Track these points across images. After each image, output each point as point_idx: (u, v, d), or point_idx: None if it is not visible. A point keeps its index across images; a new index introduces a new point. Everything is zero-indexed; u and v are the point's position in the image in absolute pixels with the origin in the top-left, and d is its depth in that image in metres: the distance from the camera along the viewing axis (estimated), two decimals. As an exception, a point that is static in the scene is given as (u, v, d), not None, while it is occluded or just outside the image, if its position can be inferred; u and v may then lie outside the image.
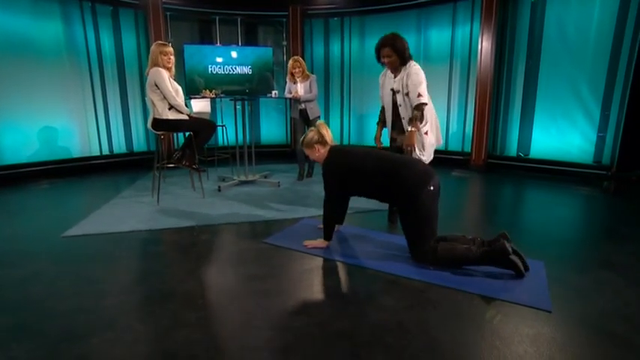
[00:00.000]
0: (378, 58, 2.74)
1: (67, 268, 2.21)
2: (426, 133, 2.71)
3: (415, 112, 2.63)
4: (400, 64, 2.69)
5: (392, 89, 2.76)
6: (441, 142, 2.89)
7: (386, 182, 2.21)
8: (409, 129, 2.64)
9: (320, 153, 2.40)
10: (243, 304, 1.81)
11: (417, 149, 2.70)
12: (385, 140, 3.03)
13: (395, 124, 2.87)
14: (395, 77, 2.75)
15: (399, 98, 2.73)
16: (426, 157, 2.73)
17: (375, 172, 2.23)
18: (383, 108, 2.96)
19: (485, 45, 4.98)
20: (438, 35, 5.63)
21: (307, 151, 2.45)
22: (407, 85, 2.65)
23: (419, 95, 2.61)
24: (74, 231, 2.80)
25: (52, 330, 1.61)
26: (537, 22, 4.70)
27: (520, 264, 2.02)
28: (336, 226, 2.73)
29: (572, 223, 3.16)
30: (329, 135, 2.42)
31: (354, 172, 2.28)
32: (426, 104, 2.63)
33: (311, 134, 2.41)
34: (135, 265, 2.28)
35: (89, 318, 1.69)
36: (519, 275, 2.02)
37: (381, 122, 3.01)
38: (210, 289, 1.98)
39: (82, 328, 1.62)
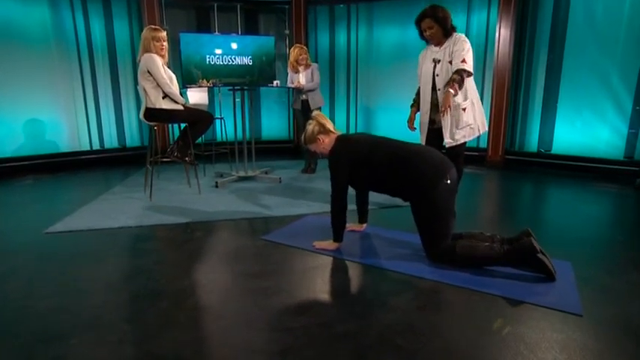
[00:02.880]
0: (420, 33, 2.72)
1: (49, 266, 2.16)
2: (464, 109, 2.65)
3: (454, 75, 2.56)
4: (443, 35, 2.66)
5: (434, 59, 2.73)
6: (486, 128, 2.82)
7: (398, 174, 2.13)
8: (445, 89, 2.59)
9: (325, 144, 2.33)
10: (239, 303, 1.75)
11: (449, 119, 2.66)
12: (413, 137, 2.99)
13: (433, 104, 2.82)
14: (439, 49, 2.72)
15: (439, 68, 2.69)
16: (460, 136, 2.70)
17: (386, 162, 2.16)
18: (419, 89, 2.93)
19: (503, 33, 4.89)
20: (452, 23, 5.55)
21: (312, 147, 2.39)
22: (451, 54, 2.62)
23: (463, 61, 2.56)
24: (58, 227, 2.77)
25: (28, 330, 1.55)
26: (562, 6, 4.61)
27: (549, 264, 1.93)
28: (362, 226, 2.69)
29: (602, 221, 3.08)
30: (330, 123, 2.37)
31: (363, 162, 2.20)
32: (468, 72, 2.58)
33: (310, 127, 2.35)
34: (123, 263, 2.23)
35: (69, 318, 1.64)
36: (549, 277, 1.92)
37: (416, 104, 2.97)
38: (203, 288, 1.93)
39: (61, 328, 1.56)
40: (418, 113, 2.97)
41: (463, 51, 2.58)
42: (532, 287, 1.88)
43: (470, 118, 2.70)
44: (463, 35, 2.65)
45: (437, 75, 2.72)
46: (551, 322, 1.61)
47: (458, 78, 2.54)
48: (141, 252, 2.40)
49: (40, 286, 1.92)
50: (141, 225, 2.82)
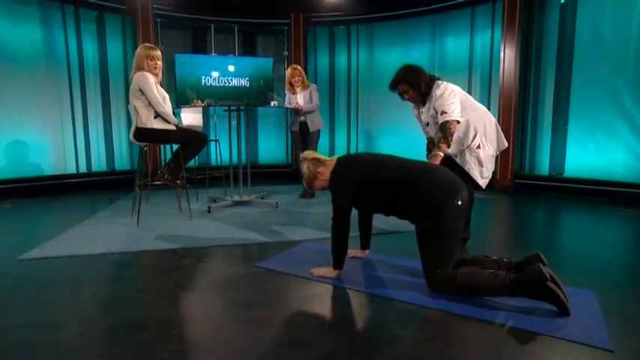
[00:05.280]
0: (400, 96, 2.77)
1: (18, 296, 2.06)
2: (478, 146, 2.64)
3: (440, 133, 2.58)
4: (422, 94, 2.68)
5: (426, 123, 2.79)
6: (505, 143, 2.78)
7: (405, 193, 2.07)
8: (434, 152, 2.59)
9: (326, 174, 2.29)
10: (229, 335, 1.65)
11: (470, 163, 2.65)
12: None
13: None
14: (422, 110, 2.77)
15: (432, 130, 2.73)
16: (487, 173, 2.68)
17: (392, 181, 2.10)
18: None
19: (508, 52, 4.95)
20: (455, 43, 5.64)
21: (316, 185, 2.36)
22: (435, 114, 2.65)
23: (442, 113, 2.56)
24: (34, 253, 2.67)
25: (-11, 366, 1.44)
26: (568, 24, 4.68)
27: (561, 294, 1.81)
28: (364, 252, 2.61)
29: (623, 248, 2.99)
30: (319, 155, 2.37)
31: (368, 182, 2.15)
32: (452, 121, 2.55)
33: (305, 168, 2.33)
34: (102, 291, 2.12)
35: (36, 353, 1.52)
36: (561, 309, 1.80)
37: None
38: (189, 318, 1.83)
39: (27, 363, 1.45)
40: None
41: (443, 105, 2.58)
42: (553, 319, 1.77)
43: (489, 149, 2.68)
44: (441, 84, 2.64)
45: (434, 138, 2.78)
46: (578, 358, 1.50)
47: (443, 135, 2.58)
48: (123, 280, 2.30)
49: (5, 319, 1.80)
50: (125, 251, 2.73)
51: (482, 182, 2.68)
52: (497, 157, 5.00)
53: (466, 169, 2.66)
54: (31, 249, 2.75)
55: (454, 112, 2.56)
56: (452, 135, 2.57)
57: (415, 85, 2.64)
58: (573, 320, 1.75)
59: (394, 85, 2.72)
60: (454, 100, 2.58)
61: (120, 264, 2.54)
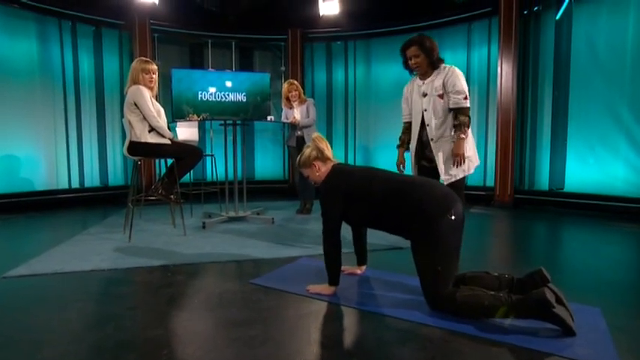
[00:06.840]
0: (405, 62, 2.76)
1: (1, 314, 2.00)
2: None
3: (461, 117, 2.57)
4: (429, 66, 2.68)
5: (422, 93, 2.75)
6: (478, 162, 2.77)
7: (396, 208, 2.04)
8: (456, 136, 2.58)
9: (321, 172, 2.25)
10: (221, 355, 1.59)
11: (441, 155, 2.64)
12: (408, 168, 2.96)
13: (421, 141, 2.80)
14: (424, 82, 2.74)
15: (426, 102, 2.69)
16: (457, 171, 2.65)
17: (383, 195, 2.07)
18: (405, 128, 2.96)
19: (505, 68, 5.00)
20: (452, 58, 5.67)
21: (305, 172, 2.31)
22: (440, 87, 2.63)
23: (465, 98, 2.57)
24: (20, 270, 2.60)
25: (-34, 388, 1.37)
26: (563, 40, 4.74)
27: (568, 317, 1.75)
28: (361, 268, 2.56)
29: (628, 264, 2.95)
30: (329, 150, 2.29)
31: (359, 196, 2.11)
32: (469, 109, 2.59)
33: (308, 150, 2.28)
34: (89, 309, 2.06)
35: (17, 373, 1.46)
36: (568, 332, 1.73)
37: (403, 144, 2.97)
38: (180, 337, 1.77)
39: (6, 386, 1.38)
40: (407, 153, 2.97)
41: (464, 87, 2.59)
42: (559, 338, 1.71)
43: (466, 150, 2.65)
44: (455, 67, 2.65)
45: (425, 110, 2.73)
46: (586, 377, 1.45)
47: (467, 120, 2.57)
48: (112, 297, 2.24)
49: (-13, 337, 1.74)
50: (115, 268, 2.67)
51: (445, 178, 2.65)
52: (494, 171, 5.08)
53: (436, 157, 2.66)
54: (18, 266, 2.68)
55: (468, 101, 2.61)
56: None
57: (428, 52, 2.63)
58: (580, 339, 1.70)
59: (407, 47, 2.70)
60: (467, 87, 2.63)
61: (109, 281, 2.48)
